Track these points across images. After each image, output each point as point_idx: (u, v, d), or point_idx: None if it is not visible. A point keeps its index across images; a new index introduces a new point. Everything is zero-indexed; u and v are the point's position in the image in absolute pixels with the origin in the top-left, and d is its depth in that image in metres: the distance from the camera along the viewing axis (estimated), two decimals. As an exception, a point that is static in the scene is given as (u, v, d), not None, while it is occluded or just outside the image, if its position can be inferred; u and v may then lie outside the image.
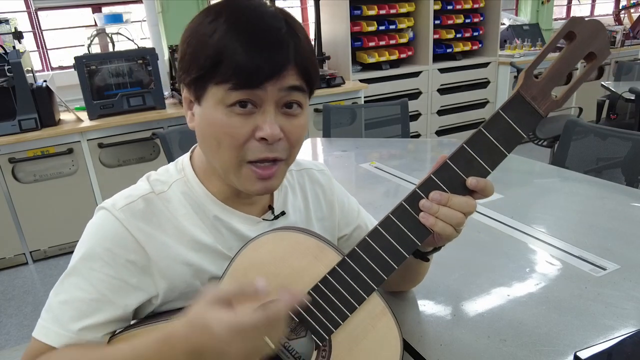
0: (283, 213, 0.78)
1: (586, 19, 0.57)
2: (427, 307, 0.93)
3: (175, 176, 0.73)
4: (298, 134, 0.66)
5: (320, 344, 0.67)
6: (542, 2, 4.94)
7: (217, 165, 0.67)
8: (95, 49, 3.20)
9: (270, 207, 0.77)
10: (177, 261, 0.68)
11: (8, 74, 2.60)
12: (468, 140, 0.61)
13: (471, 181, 0.61)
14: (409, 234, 0.64)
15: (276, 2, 3.45)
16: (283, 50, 0.60)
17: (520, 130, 0.61)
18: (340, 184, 0.90)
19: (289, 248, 0.67)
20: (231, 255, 0.70)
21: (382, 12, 3.73)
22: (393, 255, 0.64)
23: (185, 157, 0.75)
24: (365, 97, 3.62)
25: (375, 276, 0.65)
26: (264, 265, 0.67)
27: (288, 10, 0.68)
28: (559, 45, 0.60)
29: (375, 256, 0.64)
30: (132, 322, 0.71)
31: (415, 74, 3.98)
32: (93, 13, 3.39)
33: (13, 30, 2.85)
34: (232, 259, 0.68)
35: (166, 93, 3.23)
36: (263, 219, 0.76)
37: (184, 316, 0.56)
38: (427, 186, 0.63)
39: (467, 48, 4.20)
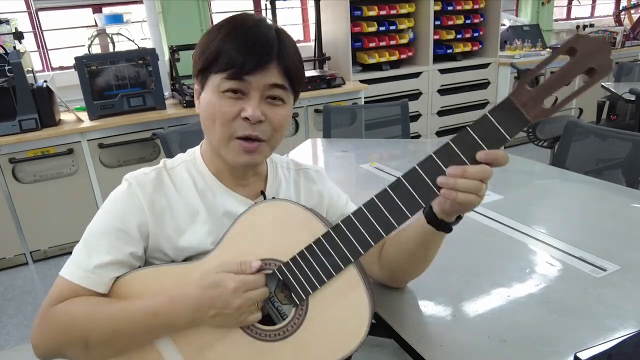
0: (273, 198, 0.87)
1: (591, 35, 0.58)
2: (427, 307, 0.93)
3: (185, 157, 0.88)
4: (280, 120, 0.79)
5: (298, 303, 0.75)
6: (543, 3, 4.95)
7: (212, 141, 0.80)
8: (96, 50, 3.20)
9: (262, 193, 0.88)
10: (168, 225, 0.81)
11: (8, 74, 2.60)
12: (454, 137, 0.66)
13: (480, 154, 0.65)
14: (388, 215, 0.70)
15: (276, 2, 3.45)
16: (268, 51, 0.75)
17: (504, 133, 0.64)
18: (333, 183, 0.99)
19: (282, 216, 0.77)
20: (216, 230, 0.82)
21: (383, 12, 3.73)
22: (371, 232, 0.71)
23: (197, 146, 0.89)
24: (365, 97, 3.62)
25: (353, 250, 0.72)
26: (260, 229, 0.77)
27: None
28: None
29: (355, 232, 0.71)
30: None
31: (416, 75, 3.98)
32: (93, 13, 3.39)
33: (13, 30, 2.85)
34: (233, 223, 0.78)
35: (166, 93, 3.23)
36: (255, 202, 0.84)
37: (193, 280, 0.73)
38: (411, 176, 0.69)
39: (467, 49, 4.20)
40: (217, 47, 0.75)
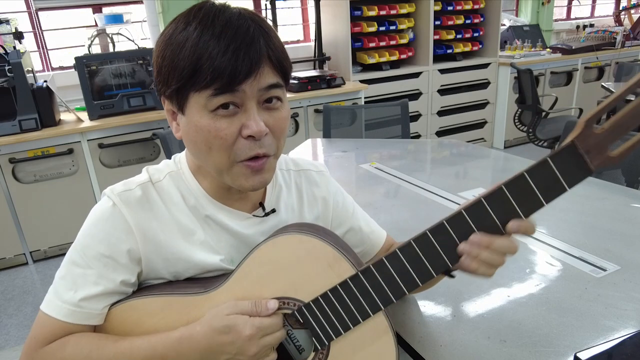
0: (274, 210, 0.79)
1: None
2: (427, 307, 0.93)
3: (171, 167, 0.76)
4: (281, 127, 0.68)
5: (319, 348, 0.69)
6: (543, 3, 4.94)
7: (210, 168, 0.69)
8: (96, 49, 3.20)
9: (261, 204, 0.78)
10: (162, 247, 0.72)
11: (8, 74, 2.60)
12: (508, 182, 0.58)
13: (512, 225, 0.59)
14: (428, 264, 0.63)
15: (276, 2, 3.45)
16: (255, 46, 0.61)
17: (564, 183, 0.56)
18: (338, 184, 0.91)
19: (305, 252, 0.68)
20: (218, 248, 0.74)
21: (383, 12, 3.73)
22: (407, 281, 0.64)
23: (183, 152, 0.78)
24: (365, 97, 3.62)
25: (384, 297, 0.65)
26: (278, 264, 0.69)
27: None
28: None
29: (388, 278, 0.64)
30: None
31: (416, 75, 3.98)
32: (93, 13, 3.39)
33: (13, 30, 2.85)
34: (249, 253, 0.70)
35: (166, 93, 3.22)
36: (254, 215, 0.77)
37: (202, 320, 0.67)
38: (456, 221, 0.61)
39: (467, 49, 4.20)
40: (192, 56, 0.60)
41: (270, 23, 0.69)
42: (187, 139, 0.68)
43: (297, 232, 0.69)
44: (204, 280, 0.75)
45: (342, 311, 0.67)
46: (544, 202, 0.57)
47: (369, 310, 0.66)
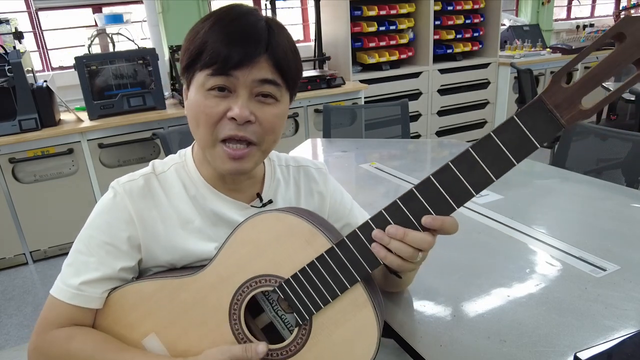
0: (270, 201, 0.83)
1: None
2: (427, 307, 0.93)
3: (176, 159, 0.82)
4: (271, 121, 0.72)
5: (301, 323, 0.71)
6: (543, 3, 4.94)
7: (198, 144, 0.76)
8: (96, 49, 3.20)
9: (258, 195, 0.82)
10: (160, 236, 0.77)
11: (8, 74, 2.60)
12: (475, 144, 0.58)
13: (426, 219, 0.61)
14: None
15: (276, 2, 3.45)
16: (256, 41, 0.68)
17: (533, 139, 0.55)
18: (337, 183, 0.93)
19: (283, 230, 0.71)
20: (215, 237, 0.78)
21: (383, 12, 3.73)
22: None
23: (189, 147, 0.84)
24: (365, 97, 3.62)
25: (360, 268, 0.66)
26: (259, 243, 0.72)
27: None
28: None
29: (362, 249, 0.65)
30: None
31: (416, 75, 3.98)
32: (93, 13, 3.39)
33: (13, 30, 2.85)
34: (231, 234, 0.73)
35: (166, 93, 3.23)
36: (251, 206, 0.81)
37: (197, 358, 0.71)
38: (425, 187, 0.62)
39: (467, 49, 4.20)
40: (201, 40, 0.69)
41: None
42: (187, 113, 0.74)
43: (275, 210, 0.73)
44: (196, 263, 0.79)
45: (320, 285, 0.68)
46: (514, 162, 0.57)
47: (346, 283, 0.67)
